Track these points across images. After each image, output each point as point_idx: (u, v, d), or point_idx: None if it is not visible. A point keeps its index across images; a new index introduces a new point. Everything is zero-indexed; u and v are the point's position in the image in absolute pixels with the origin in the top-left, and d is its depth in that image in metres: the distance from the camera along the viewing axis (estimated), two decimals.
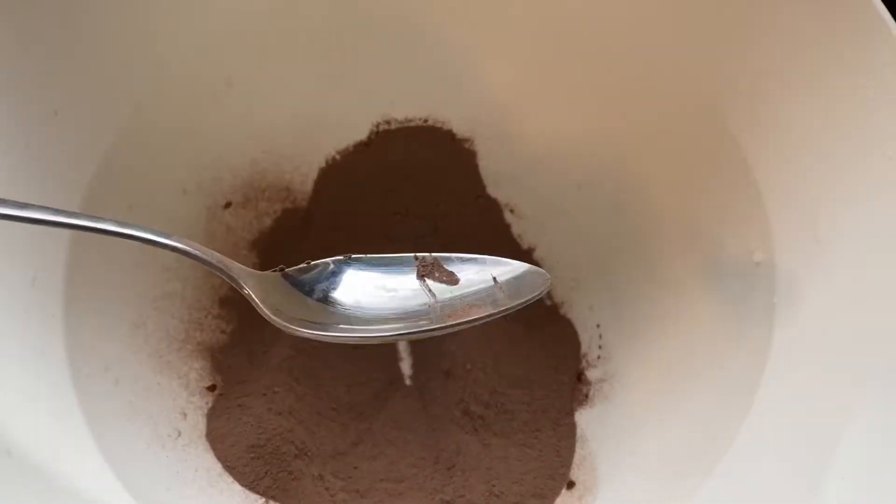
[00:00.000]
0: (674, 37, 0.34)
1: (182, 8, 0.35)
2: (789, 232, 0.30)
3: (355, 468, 0.36)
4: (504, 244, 0.44)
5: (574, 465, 0.36)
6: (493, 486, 0.35)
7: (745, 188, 0.32)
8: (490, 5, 0.39)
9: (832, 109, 0.28)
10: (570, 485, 0.36)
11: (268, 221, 0.42)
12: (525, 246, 0.44)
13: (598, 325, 0.41)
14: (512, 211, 0.44)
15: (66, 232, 0.31)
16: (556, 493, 0.35)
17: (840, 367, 0.26)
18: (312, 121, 0.42)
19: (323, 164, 0.43)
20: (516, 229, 0.44)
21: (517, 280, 0.30)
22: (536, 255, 0.44)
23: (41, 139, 0.31)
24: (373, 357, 0.40)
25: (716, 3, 0.32)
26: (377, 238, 0.43)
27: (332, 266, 0.31)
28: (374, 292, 0.31)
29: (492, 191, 0.44)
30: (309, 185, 0.43)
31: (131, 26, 0.34)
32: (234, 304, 0.40)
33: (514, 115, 0.42)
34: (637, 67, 0.37)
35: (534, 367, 0.40)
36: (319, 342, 0.38)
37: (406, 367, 0.41)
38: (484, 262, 0.31)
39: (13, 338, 0.28)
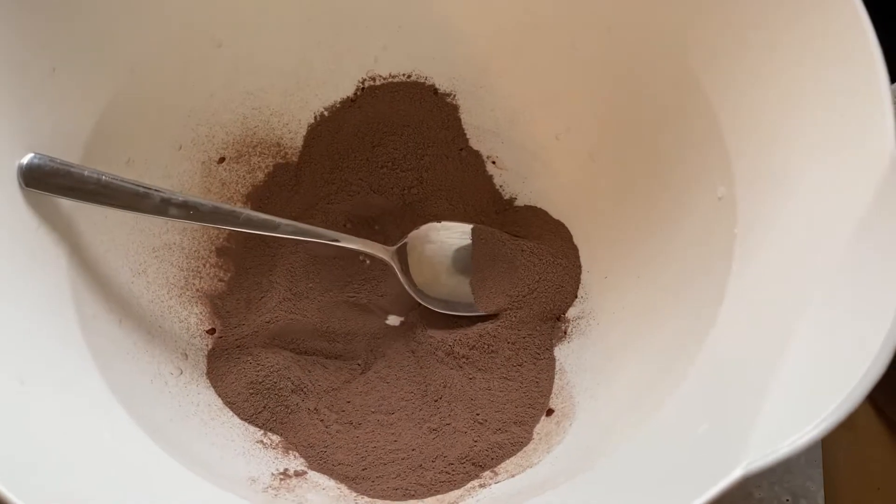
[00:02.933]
0: None
1: None
2: (748, 168, 0.32)
3: (348, 402, 0.39)
4: (486, 194, 0.46)
5: (553, 395, 0.39)
6: (478, 414, 0.38)
7: (707, 129, 0.34)
8: None
9: (788, 56, 0.30)
10: (549, 412, 0.38)
11: (260, 176, 0.44)
12: (507, 196, 0.46)
13: None
14: (494, 162, 0.46)
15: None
16: (536, 420, 0.38)
17: (787, 289, 0.28)
18: (300, 79, 0.44)
19: (312, 121, 0.45)
20: (498, 180, 0.46)
21: None
22: (518, 203, 0.46)
23: (41, 94, 0.32)
24: (364, 312, 0.43)
25: None
26: (364, 190, 0.44)
27: None
28: None
29: (474, 143, 0.46)
30: (299, 141, 0.45)
31: None
32: (230, 253, 0.42)
33: (492, 71, 0.44)
34: (605, 20, 0.38)
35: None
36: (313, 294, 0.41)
37: (394, 321, 0.43)
38: None
39: (21, 278, 0.30)
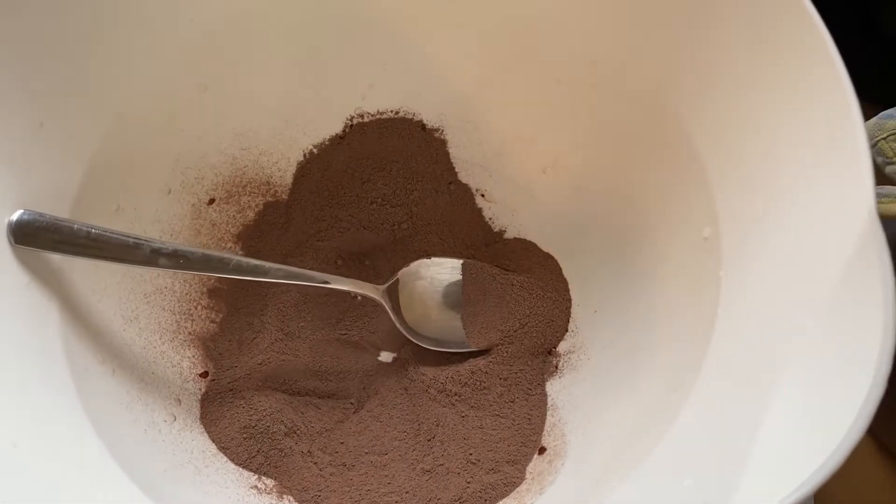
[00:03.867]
0: (622, 31, 0.36)
1: (155, 20, 0.37)
2: (732, 210, 0.32)
3: (342, 443, 0.39)
4: (476, 227, 0.46)
5: (545, 432, 0.39)
6: (471, 454, 0.38)
7: (691, 168, 0.35)
8: (452, 6, 0.41)
9: (767, 101, 0.30)
10: (542, 450, 0.38)
11: (251, 215, 0.44)
12: (496, 228, 0.46)
13: None
14: (483, 195, 0.46)
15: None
16: (529, 459, 0.38)
17: (775, 328, 0.28)
18: (288, 118, 0.44)
19: (301, 158, 0.45)
20: (487, 213, 0.46)
21: None
22: (507, 236, 0.46)
23: (28, 149, 0.33)
24: (356, 349, 0.43)
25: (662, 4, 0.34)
26: (355, 226, 0.45)
27: None
28: None
29: (463, 177, 0.46)
30: (288, 179, 0.45)
31: (107, 39, 0.35)
32: (222, 294, 0.43)
33: (479, 106, 0.44)
34: (589, 60, 0.39)
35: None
36: (305, 333, 0.41)
37: (387, 357, 0.43)
38: None
39: (12, 337, 0.30)
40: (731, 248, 0.32)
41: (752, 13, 0.30)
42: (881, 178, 0.39)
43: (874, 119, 0.40)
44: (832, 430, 0.23)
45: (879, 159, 0.39)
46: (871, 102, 0.55)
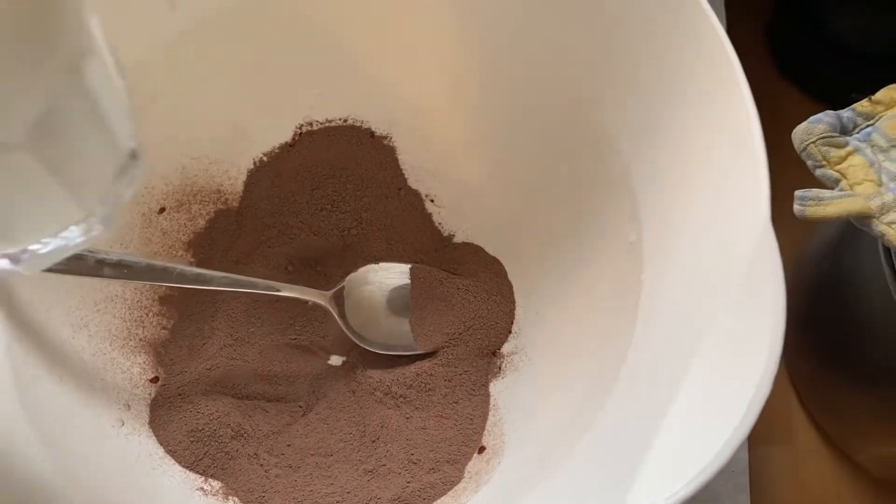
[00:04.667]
0: (548, 43, 0.37)
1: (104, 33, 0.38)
2: (653, 218, 0.34)
3: (289, 445, 0.40)
4: (426, 232, 0.47)
5: (486, 431, 0.40)
6: (412, 454, 0.39)
7: (621, 180, 0.36)
8: (398, 14, 0.42)
9: (681, 119, 0.31)
10: (481, 449, 0.39)
11: (202, 223, 0.45)
12: (446, 233, 0.47)
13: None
14: (432, 201, 0.47)
15: None
16: (468, 458, 0.39)
17: (684, 331, 0.29)
18: (237, 127, 0.45)
19: (251, 166, 0.46)
20: (437, 217, 0.47)
21: None
22: (456, 240, 0.47)
23: None
24: (306, 353, 0.44)
25: (598, 27, 0.35)
26: (305, 232, 0.46)
27: None
28: None
29: (412, 183, 0.47)
30: (239, 187, 0.46)
31: None
32: (173, 301, 0.44)
33: (426, 114, 0.45)
34: (529, 73, 0.40)
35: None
36: (254, 338, 0.42)
37: (336, 360, 0.44)
38: None
39: None
40: (652, 253, 0.33)
41: (651, 15, 0.31)
42: (812, 181, 0.40)
43: (804, 124, 0.41)
44: (721, 430, 0.24)
45: (810, 163, 0.40)
46: (816, 98, 0.56)
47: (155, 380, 0.41)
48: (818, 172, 0.40)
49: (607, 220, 0.37)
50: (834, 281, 0.42)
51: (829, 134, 0.35)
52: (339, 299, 0.43)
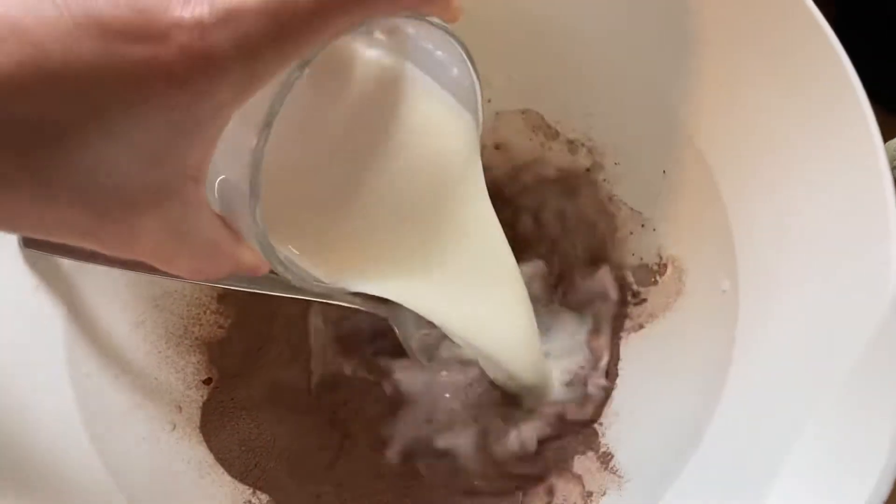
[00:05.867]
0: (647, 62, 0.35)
1: None
2: (752, 265, 0.31)
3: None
4: None
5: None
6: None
7: (717, 217, 0.33)
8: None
9: (795, 156, 0.29)
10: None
11: None
12: None
13: None
14: None
15: None
16: None
17: (784, 402, 0.27)
18: None
19: None
20: None
21: None
22: None
23: None
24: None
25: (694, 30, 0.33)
26: None
27: None
28: None
29: None
30: None
31: None
32: (232, 299, 0.42)
33: None
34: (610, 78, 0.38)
35: None
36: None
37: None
38: None
39: (16, 340, 0.31)
40: (749, 306, 0.31)
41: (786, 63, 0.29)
42: None
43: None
44: None
45: None
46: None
47: (208, 381, 0.40)
48: None
49: (700, 261, 0.35)
50: None
51: None
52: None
